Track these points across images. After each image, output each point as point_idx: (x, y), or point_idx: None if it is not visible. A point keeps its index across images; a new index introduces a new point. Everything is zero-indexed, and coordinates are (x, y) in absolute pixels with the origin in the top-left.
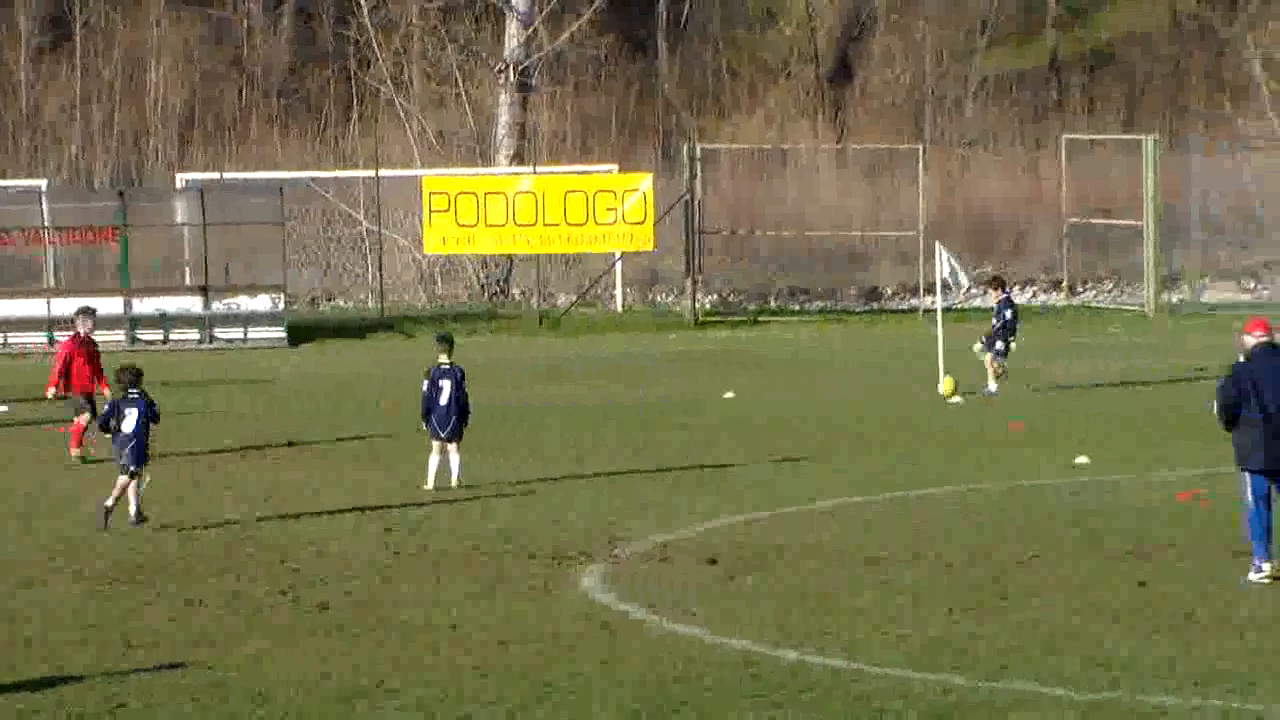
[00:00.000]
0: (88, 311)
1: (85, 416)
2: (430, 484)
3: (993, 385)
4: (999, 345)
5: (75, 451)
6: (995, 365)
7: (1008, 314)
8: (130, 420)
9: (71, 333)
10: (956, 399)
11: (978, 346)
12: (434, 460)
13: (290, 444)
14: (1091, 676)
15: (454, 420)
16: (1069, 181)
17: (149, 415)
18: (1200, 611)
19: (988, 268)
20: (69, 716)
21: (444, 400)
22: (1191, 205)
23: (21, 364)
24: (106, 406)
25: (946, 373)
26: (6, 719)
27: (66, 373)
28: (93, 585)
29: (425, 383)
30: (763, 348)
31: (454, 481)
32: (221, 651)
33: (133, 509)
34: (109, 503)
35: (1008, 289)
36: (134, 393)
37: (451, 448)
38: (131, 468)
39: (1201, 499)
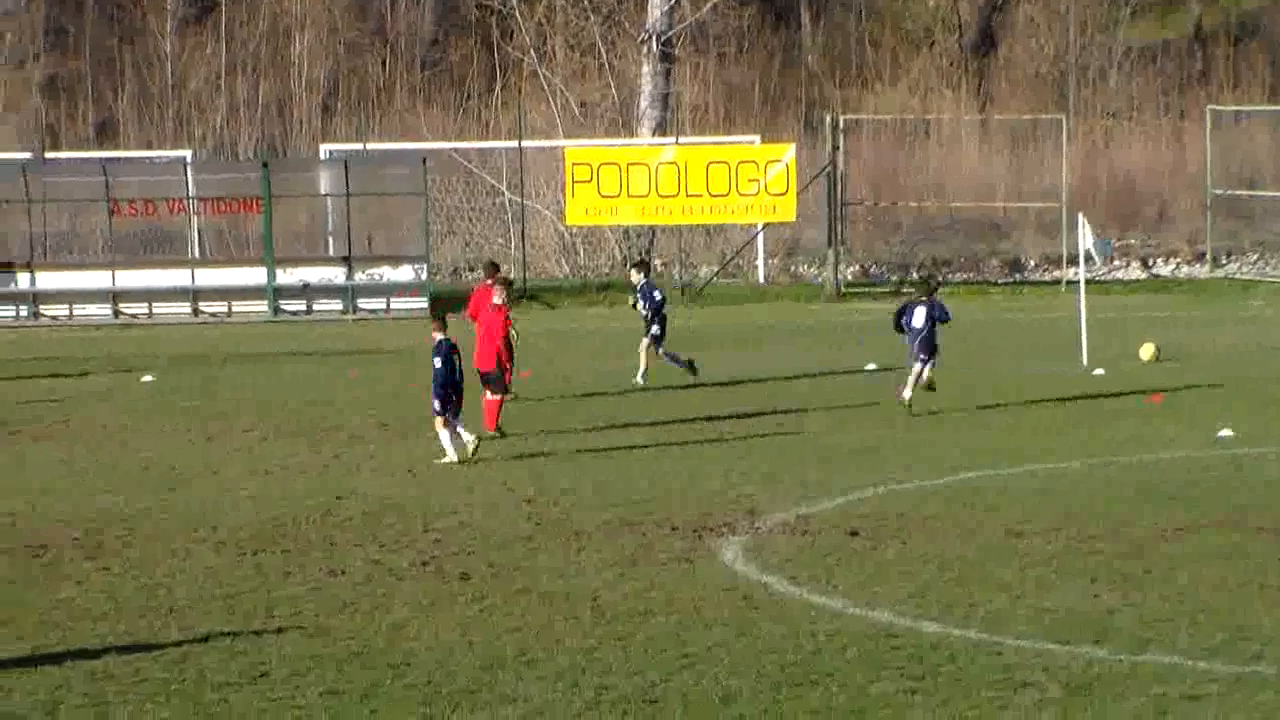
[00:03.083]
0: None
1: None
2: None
3: (640, 378)
4: (655, 331)
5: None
6: (658, 355)
7: (656, 295)
8: (919, 317)
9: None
10: (1100, 371)
11: (645, 341)
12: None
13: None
14: (1235, 650)
15: None
16: (1213, 152)
17: (939, 314)
18: None
19: (1131, 239)
20: (212, 685)
21: None
22: None
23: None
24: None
25: (1147, 341)
26: (151, 687)
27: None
28: (235, 554)
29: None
30: None
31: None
32: (363, 621)
33: (907, 392)
34: (906, 394)
35: (650, 272)
36: (924, 298)
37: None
38: (922, 357)
39: None
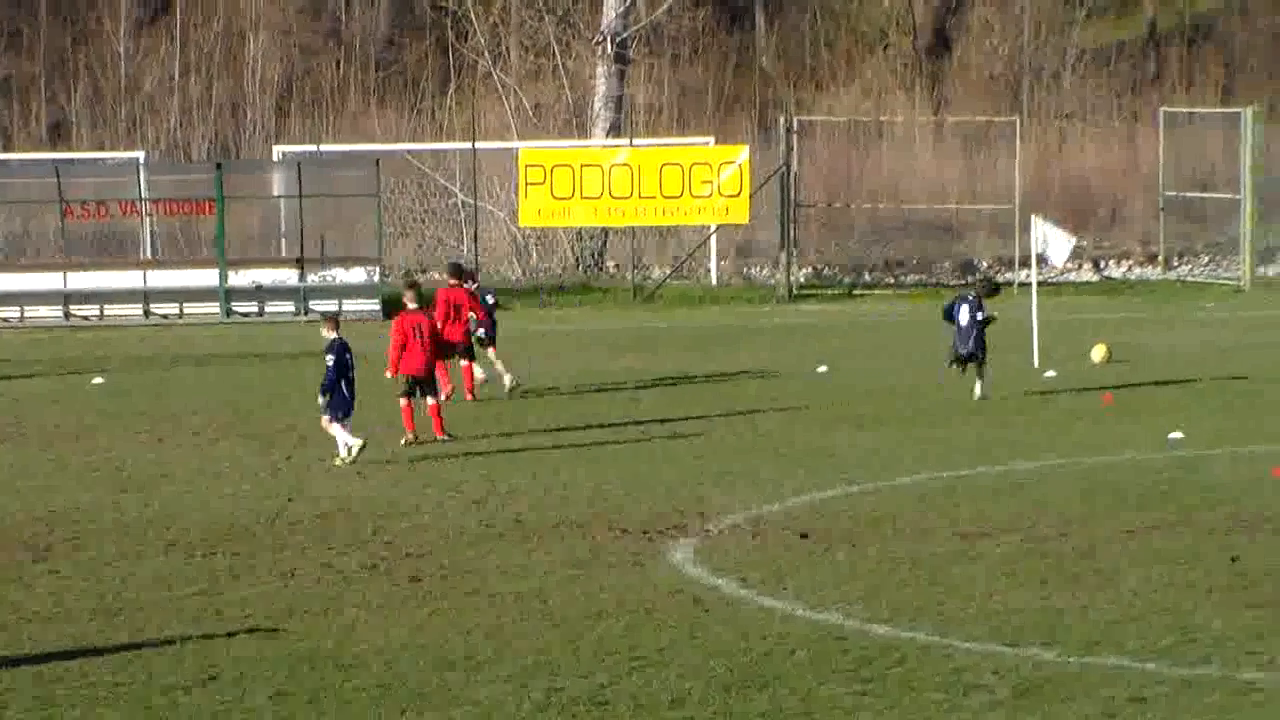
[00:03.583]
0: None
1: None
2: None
3: (507, 377)
4: (487, 333)
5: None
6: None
7: (489, 298)
8: (964, 315)
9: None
10: (1051, 373)
11: (491, 352)
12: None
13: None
14: (1184, 651)
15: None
16: (1166, 154)
17: (982, 314)
18: None
19: (1084, 241)
20: (161, 687)
21: None
22: None
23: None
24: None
25: (1099, 342)
26: (100, 690)
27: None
28: (185, 556)
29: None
30: (857, 321)
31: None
32: (313, 622)
33: (977, 389)
34: (977, 390)
35: (477, 278)
36: (973, 295)
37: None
38: (963, 353)
39: None
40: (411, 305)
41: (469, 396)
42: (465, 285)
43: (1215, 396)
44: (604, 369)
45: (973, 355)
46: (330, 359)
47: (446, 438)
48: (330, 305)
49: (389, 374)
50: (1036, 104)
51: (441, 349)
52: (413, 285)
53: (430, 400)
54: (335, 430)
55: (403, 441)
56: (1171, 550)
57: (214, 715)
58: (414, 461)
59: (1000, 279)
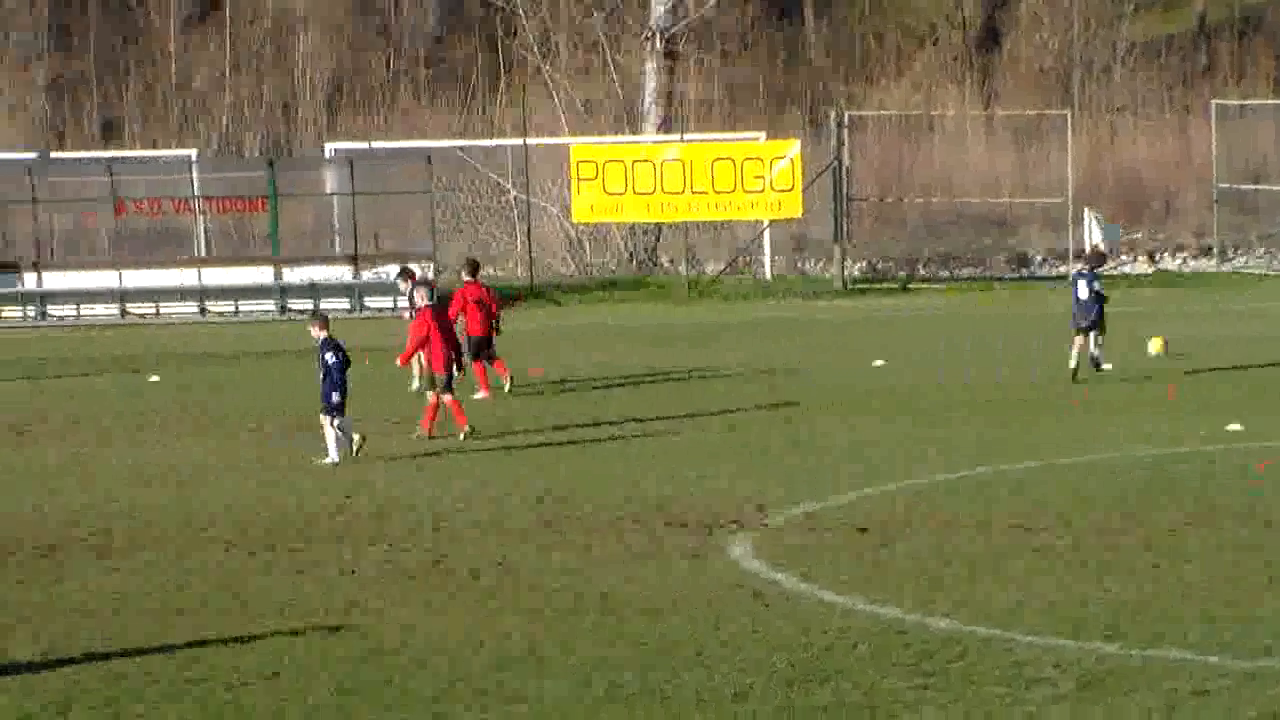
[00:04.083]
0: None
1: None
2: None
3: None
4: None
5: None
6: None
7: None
8: (1082, 289)
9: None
10: (1107, 366)
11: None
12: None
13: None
14: (1246, 644)
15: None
16: (1219, 146)
17: (1097, 288)
18: None
19: (1137, 233)
20: (225, 684)
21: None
22: None
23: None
24: None
25: (1155, 334)
26: (163, 687)
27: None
28: (245, 554)
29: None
30: (912, 315)
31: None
32: (375, 619)
33: (1072, 362)
34: (1071, 363)
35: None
36: (1088, 269)
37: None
38: (1081, 325)
39: None
40: (424, 302)
41: (507, 382)
42: (479, 281)
43: (1274, 388)
44: (660, 364)
45: (1093, 325)
46: (330, 356)
47: (470, 430)
48: (385, 302)
49: (399, 362)
50: (1087, 97)
51: (473, 346)
52: (413, 276)
53: (447, 398)
54: (329, 430)
55: (460, 436)
56: (1232, 542)
57: (277, 711)
58: (469, 456)
59: (1055, 271)
